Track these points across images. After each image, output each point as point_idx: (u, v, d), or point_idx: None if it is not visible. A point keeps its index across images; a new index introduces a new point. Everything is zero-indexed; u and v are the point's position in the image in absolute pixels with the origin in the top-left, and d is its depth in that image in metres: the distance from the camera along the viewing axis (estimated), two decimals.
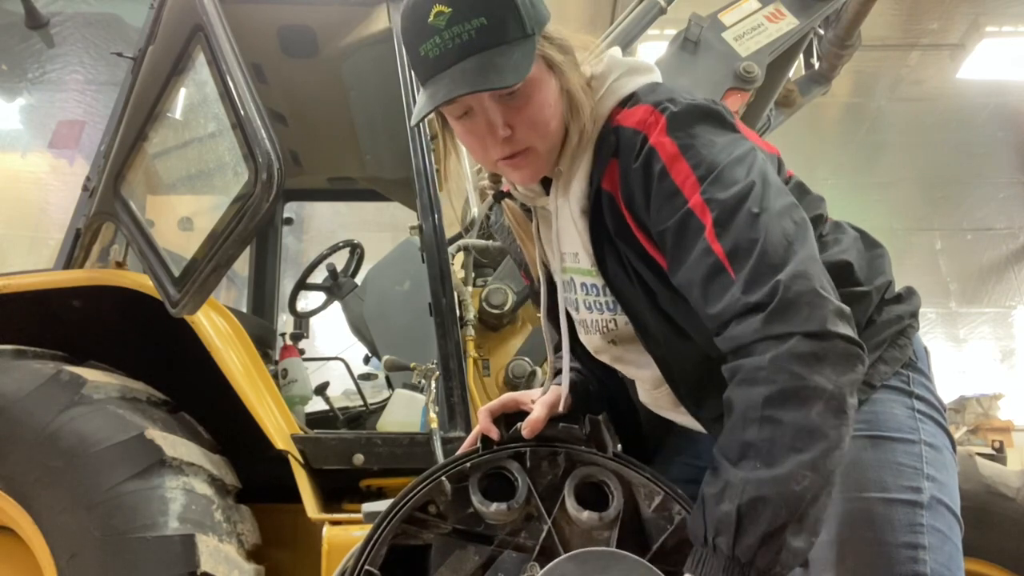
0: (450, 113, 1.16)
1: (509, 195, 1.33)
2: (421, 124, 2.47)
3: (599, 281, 1.24)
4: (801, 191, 1.22)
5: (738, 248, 1.00)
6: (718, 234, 1.02)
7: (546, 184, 1.27)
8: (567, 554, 1.08)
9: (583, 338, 1.35)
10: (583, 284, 1.27)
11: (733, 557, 0.91)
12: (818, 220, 1.21)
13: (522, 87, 1.10)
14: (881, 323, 1.18)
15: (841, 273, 1.12)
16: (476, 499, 1.22)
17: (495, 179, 1.35)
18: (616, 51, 1.26)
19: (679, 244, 1.06)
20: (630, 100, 1.17)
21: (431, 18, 1.08)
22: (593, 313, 1.28)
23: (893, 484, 1.11)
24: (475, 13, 1.07)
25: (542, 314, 1.35)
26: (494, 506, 1.20)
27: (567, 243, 1.26)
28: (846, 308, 0.99)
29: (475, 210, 2.98)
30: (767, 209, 1.02)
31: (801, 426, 0.92)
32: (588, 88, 1.19)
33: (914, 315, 1.23)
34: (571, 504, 1.22)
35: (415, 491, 1.23)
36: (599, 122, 1.18)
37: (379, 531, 1.20)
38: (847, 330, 0.97)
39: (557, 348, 1.38)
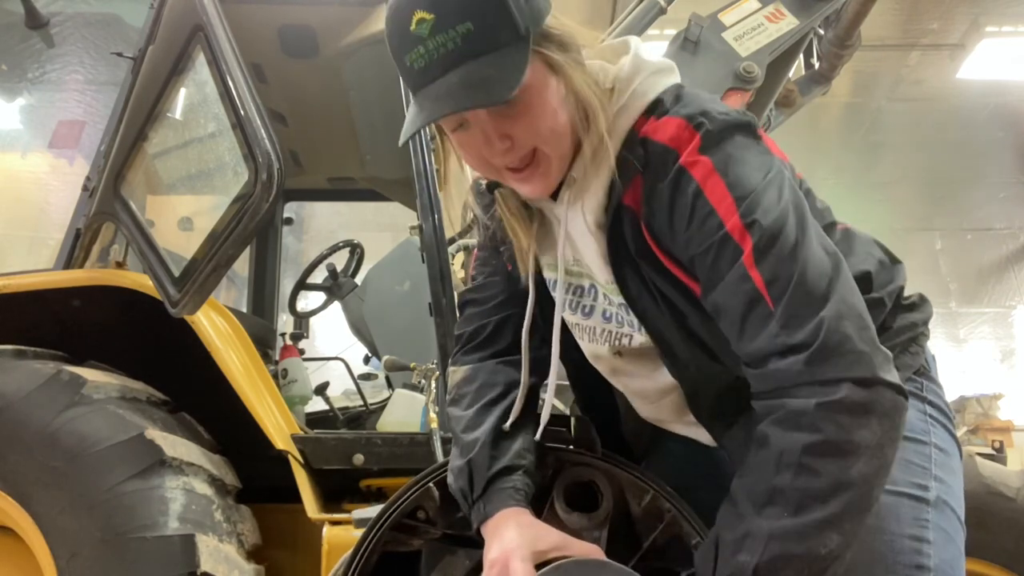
0: (445, 125, 1.09)
1: (500, 184, 1.22)
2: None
3: (617, 298, 1.18)
4: (810, 198, 1.18)
5: (777, 278, 0.96)
6: (756, 260, 0.96)
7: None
8: (550, 566, 1.07)
9: (583, 344, 1.29)
10: (605, 294, 1.21)
11: None
12: (830, 229, 1.18)
13: (520, 94, 1.00)
14: (896, 329, 1.16)
15: (859, 284, 1.08)
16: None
17: None
18: (639, 46, 1.16)
19: (714, 267, 1.00)
20: (655, 108, 1.10)
21: (413, 26, 0.99)
22: (611, 324, 1.22)
23: (901, 479, 1.11)
24: (460, 18, 0.97)
25: (525, 324, 1.24)
26: None
27: (583, 254, 1.20)
28: (889, 353, 0.96)
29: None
30: (804, 239, 0.98)
31: (839, 482, 0.88)
32: (609, 92, 1.11)
33: (926, 323, 1.22)
34: (560, 506, 1.21)
35: (403, 498, 1.23)
36: (623, 130, 1.10)
37: (368, 539, 1.20)
38: (894, 377, 0.93)
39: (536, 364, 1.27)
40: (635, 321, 1.18)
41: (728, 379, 1.13)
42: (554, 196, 1.17)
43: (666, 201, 1.03)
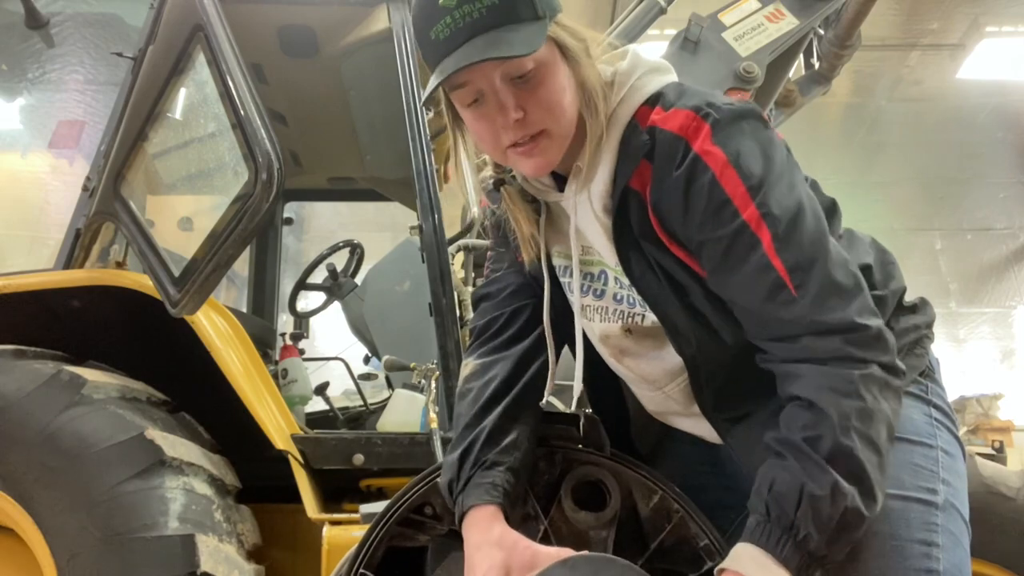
0: (461, 101, 1.14)
1: (506, 182, 1.29)
2: (422, 123, 2.46)
3: (626, 280, 1.23)
4: (815, 189, 1.23)
5: (799, 265, 1.03)
6: (778, 249, 1.04)
7: (557, 180, 1.25)
8: (558, 560, 1.08)
9: (594, 326, 1.31)
10: (616, 277, 1.26)
11: (814, 551, 0.98)
12: (835, 218, 1.23)
13: (535, 70, 1.09)
14: (899, 331, 1.19)
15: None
16: None
17: (498, 169, 1.31)
18: (637, 49, 1.24)
19: (730, 255, 1.06)
20: (658, 100, 1.15)
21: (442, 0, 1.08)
22: (623, 305, 1.26)
23: (910, 483, 1.13)
24: None
25: (545, 312, 1.30)
26: None
27: (591, 239, 1.24)
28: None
29: (475, 210, 2.98)
30: (820, 229, 1.07)
31: (880, 446, 1.01)
32: (610, 84, 1.18)
33: (929, 326, 1.26)
34: (568, 504, 1.22)
35: (410, 493, 1.23)
36: (624, 119, 1.16)
37: (374, 533, 1.21)
38: (903, 365, 1.08)
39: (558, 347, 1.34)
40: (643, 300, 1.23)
41: (728, 359, 1.17)
42: (561, 189, 1.23)
43: (681, 187, 1.09)
